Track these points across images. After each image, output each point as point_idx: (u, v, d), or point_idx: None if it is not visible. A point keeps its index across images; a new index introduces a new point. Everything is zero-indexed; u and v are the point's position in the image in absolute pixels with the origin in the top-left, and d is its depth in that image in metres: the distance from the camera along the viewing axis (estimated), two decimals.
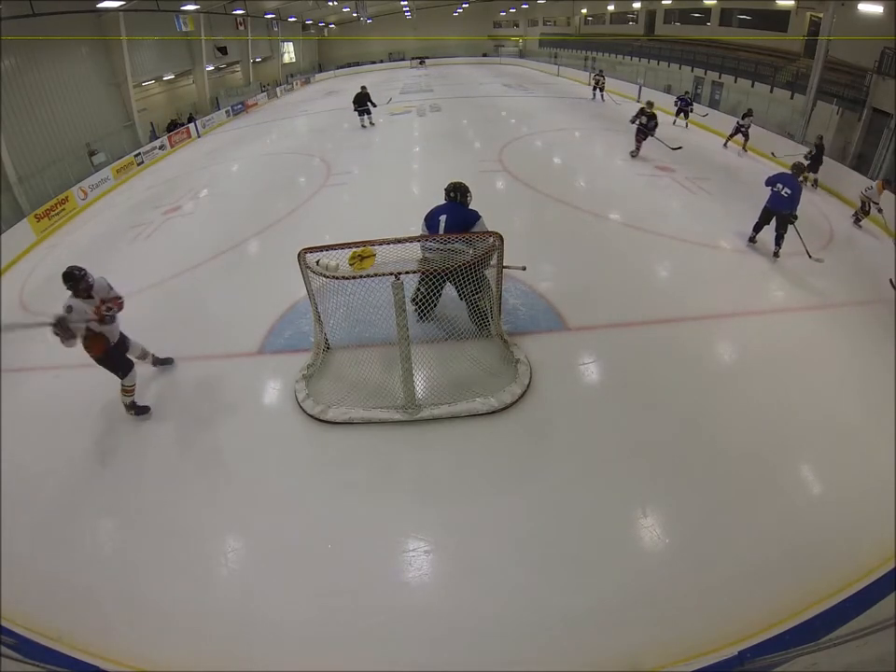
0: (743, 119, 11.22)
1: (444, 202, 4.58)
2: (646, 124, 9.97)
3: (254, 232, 7.69)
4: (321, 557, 3.05)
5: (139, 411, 4.26)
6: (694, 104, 13.47)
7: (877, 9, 10.54)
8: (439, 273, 4.10)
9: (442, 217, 4.39)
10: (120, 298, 4.05)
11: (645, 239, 6.61)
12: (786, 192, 5.90)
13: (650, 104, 10.31)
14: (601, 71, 18.24)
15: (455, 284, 4.23)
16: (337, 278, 3.93)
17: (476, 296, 4.30)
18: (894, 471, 3.20)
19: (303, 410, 4.06)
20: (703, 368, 4.38)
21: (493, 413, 3.90)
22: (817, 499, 3.29)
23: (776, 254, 6.10)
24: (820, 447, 3.58)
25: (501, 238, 3.85)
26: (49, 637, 2.73)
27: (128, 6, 13.76)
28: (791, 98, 12.38)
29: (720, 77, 15.94)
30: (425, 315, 4.66)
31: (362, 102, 14.17)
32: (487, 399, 3.95)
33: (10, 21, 10.59)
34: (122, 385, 4.15)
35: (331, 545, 3.11)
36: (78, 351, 3.88)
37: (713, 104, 14.86)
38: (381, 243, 3.92)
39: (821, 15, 11.79)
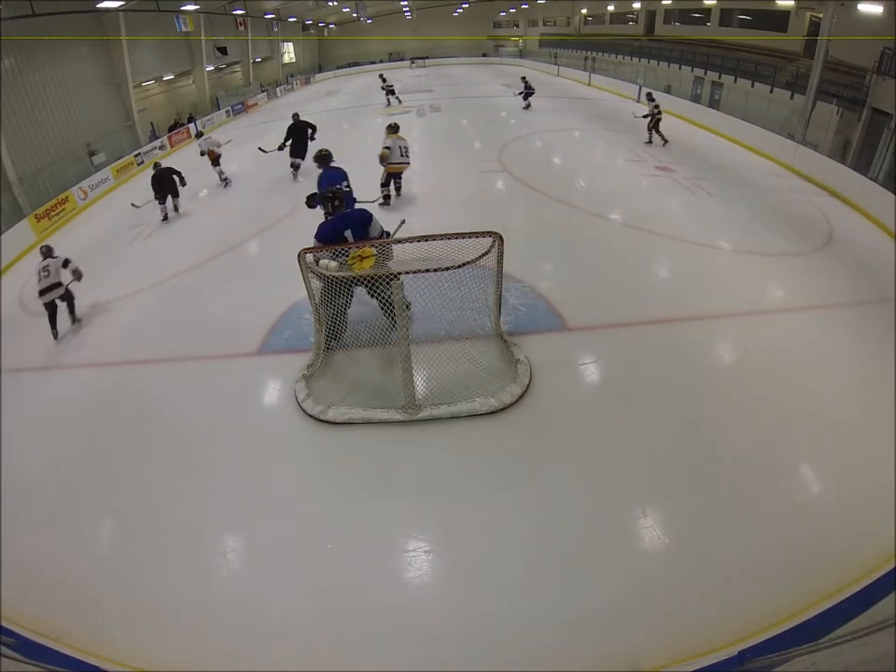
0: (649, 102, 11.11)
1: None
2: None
3: (254, 232, 7.69)
4: (321, 557, 3.05)
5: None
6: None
7: (877, 9, 10.52)
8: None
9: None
10: None
11: (645, 239, 6.61)
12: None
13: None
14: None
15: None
16: (337, 278, 3.94)
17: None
18: (894, 471, 3.19)
19: (303, 410, 4.06)
20: (702, 367, 4.38)
21: (493, 413, 3.90)
22: (817, 499, 3.28)
23: None
24: (820, 447, 3.57)
25: (501, 238, 3.85)
26: (49, 637, 2.73)
27: (128, 6, 13.73)
28: (791, 98, 12.35)
29: (719, 78, 15.91)
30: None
31: None
32: (487, 400, 3.94)
33: (10, 21, 10.58)
34: None
35: (331, 545, 3.11)
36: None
37: (713, 104, 14.84)
38: (381, 243, 3.93)
39: (821, 15, 11.76)
